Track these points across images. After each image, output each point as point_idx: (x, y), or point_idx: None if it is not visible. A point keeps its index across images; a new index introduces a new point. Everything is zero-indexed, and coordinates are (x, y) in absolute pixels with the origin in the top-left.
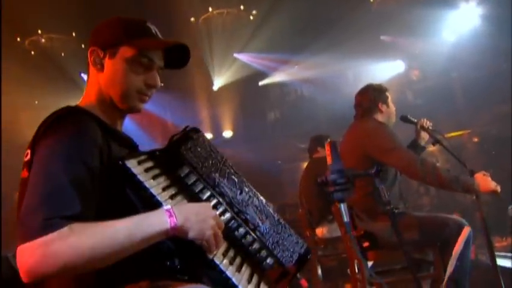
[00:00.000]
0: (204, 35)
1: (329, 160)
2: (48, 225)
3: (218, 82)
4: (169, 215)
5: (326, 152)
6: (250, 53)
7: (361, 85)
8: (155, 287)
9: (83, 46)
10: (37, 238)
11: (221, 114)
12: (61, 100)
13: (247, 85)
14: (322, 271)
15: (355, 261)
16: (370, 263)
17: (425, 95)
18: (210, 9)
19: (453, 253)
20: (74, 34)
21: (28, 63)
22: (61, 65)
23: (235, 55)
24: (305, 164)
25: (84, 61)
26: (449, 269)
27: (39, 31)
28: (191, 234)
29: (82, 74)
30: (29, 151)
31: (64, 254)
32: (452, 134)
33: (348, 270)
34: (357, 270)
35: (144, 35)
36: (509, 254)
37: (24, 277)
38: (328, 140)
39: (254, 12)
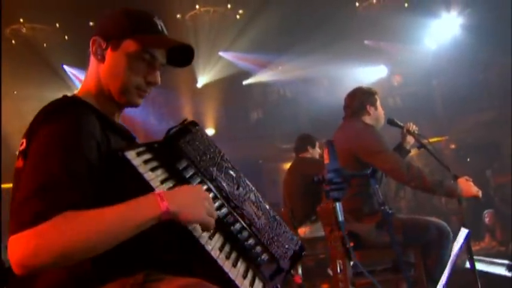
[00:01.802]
0: (190, 32)
1: (326, 159)
2: (42, 216)
3: (202, 80)
4: (161, 199)
5: (324, 151)
6: (235, 52)
7: (343, 88)
8: (151, 280)
9: (66, 38)
10: (30, 228)
11: (204, 112)
12: (42, 92)
13: (231, 84)
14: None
15: (338, 261)
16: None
17: (406, 101)
18: (197, 6)
19: (451, 257)
20: (57, 25)
21: (8, 52)
22: (43, 56)
23: (220, 53)
24: (285, 165)
25: (67, 53)
26: (446, 272)
27: (21, 20)
28: (184, 217)
29: (64, 66)
30: (24, 140)
31: (58, 243)
32: (431, 140)
33: (328, 269)
34: (339, 271)
35: (150, 30)
36: (482, 258)
37: (16, 269)
38: (325, 139)
39: (241, 11)
